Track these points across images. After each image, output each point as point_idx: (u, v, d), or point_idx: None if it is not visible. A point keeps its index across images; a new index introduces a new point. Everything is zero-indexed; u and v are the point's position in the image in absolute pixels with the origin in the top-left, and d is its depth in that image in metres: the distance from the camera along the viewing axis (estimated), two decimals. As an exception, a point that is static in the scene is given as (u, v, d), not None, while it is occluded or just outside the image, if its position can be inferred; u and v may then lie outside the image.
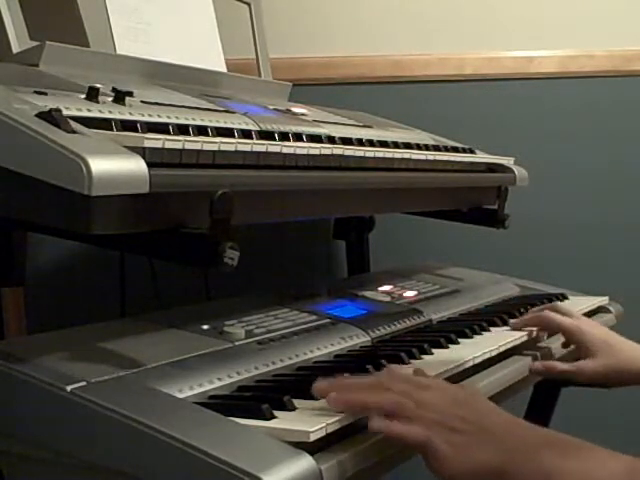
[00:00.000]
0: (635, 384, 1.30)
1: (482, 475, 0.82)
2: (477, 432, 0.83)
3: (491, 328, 1.30)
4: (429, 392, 0.87)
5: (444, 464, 0.82)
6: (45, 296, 1.81)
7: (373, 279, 1.53)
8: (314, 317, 1.19)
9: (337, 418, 0.82)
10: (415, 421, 0.84)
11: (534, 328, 1.31)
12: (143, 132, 0.88)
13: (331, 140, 1.17)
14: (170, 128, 0.91)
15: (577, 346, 1.31)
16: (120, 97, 1.01)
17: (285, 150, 1.01)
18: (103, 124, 0.87)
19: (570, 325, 1.31)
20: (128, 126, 0.88)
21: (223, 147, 0.91)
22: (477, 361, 1.11)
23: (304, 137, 1.13)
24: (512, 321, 1.33)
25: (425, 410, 0.85)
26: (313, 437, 0.77)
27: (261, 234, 1.83)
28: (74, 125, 0.81)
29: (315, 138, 1.14)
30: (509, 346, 1.21)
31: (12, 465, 0.84)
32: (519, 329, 1.30)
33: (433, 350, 1.12)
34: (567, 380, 1.34)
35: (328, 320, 1.19)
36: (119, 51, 1.30)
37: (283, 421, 0.81)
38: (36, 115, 0.80)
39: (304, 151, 1.05)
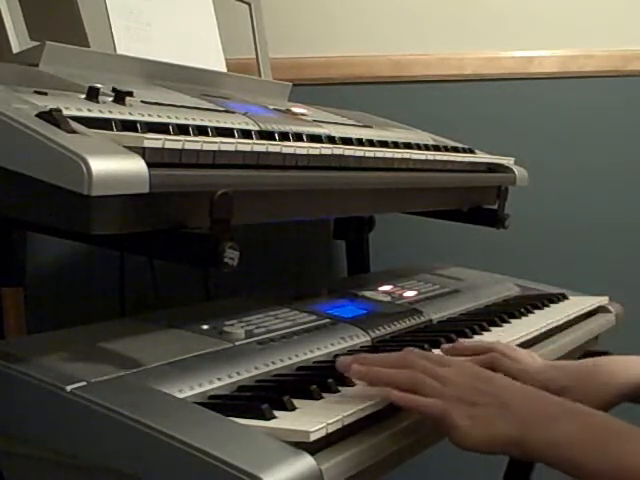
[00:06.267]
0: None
1: (500, 445, 0.86)
2: (496, 405, 0.87)
3: (491, 328, 1.30)
4: (450, 369, 0.92)
5: (463, 436, 0.86)
6: (45, 296, 1.81)
7: (373, 279, 1.53)
8: (314, 317, 1.19)
9: (337, 418, 0.81)
10: (435, 397, 0.88)
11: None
12: (143, 132, 0.88)
13: (331, 140, 1.17)
14: (170, 128, 0.91)
15: None
16: (120, 97, 1.01)
17: (285, 150, 1.01)
18: (103, 124, 0.87)
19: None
20: (128, 126, 0.88)
21: (223, 147, 0.91)
22: (477, 361, 1.11)
23: (304, 137, 1.13)
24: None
25: (445, 386, 0.89)
26: (313, 437, 0.77)
27: (261, 234, 1.83)
28: (74, 125, 0.81)
29: (315, 138, 1.15)
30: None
31: (12, 465, 0.83)
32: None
33: (433, 350, 1.12)
34: None
35: (328, 320, 1.19)
36: (119, 51, 1.30)
37: (283, 421, 0.80)
38: (36, 115, 0.80)
39: (304, 151, 1.05)
